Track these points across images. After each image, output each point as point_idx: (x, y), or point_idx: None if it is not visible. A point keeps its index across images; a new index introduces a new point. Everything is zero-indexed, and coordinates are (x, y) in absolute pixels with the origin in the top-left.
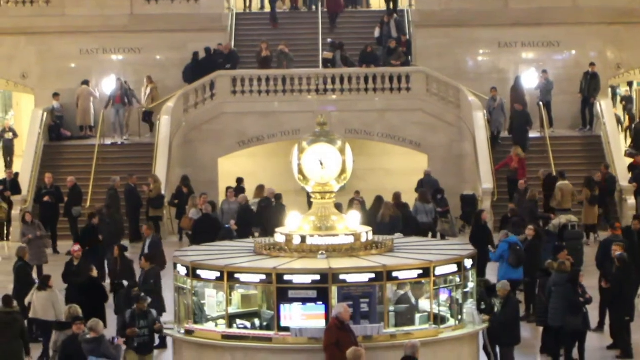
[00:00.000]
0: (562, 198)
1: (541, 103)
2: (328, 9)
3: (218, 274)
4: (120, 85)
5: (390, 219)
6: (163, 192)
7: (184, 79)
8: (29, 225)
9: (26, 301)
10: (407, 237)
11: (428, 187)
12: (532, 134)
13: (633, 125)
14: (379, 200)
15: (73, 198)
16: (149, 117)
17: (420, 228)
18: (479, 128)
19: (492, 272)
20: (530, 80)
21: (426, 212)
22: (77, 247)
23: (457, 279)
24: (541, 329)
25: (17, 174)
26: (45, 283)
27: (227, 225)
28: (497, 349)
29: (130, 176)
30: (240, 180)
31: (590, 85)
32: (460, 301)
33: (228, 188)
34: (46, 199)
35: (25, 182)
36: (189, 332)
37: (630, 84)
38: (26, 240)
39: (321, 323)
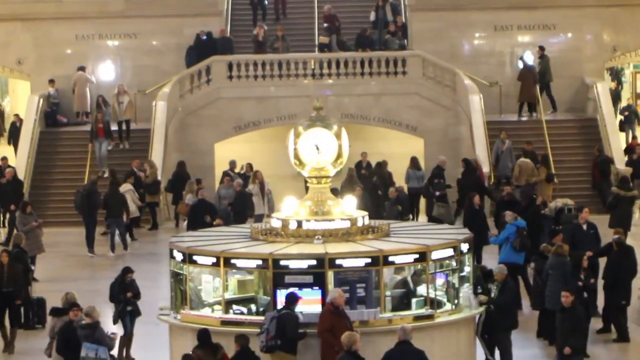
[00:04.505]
0: (520, 174)
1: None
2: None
3: (214, 260)
4: (98, 115)
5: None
6: (159, 177)
7: (186, 61)
8: (27, 215)
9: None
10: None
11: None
12: (526, 117)
13: None
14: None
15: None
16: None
17: (409, 193)
18: (475, 112)
19: (488, 256)
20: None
21: (417, 177)
22: None
23: (454, 263)
24: (537, 312)
25: None
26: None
27: (222, 206)
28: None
29: (132, 160)
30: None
31: (542, 67)
32: (457, 285)
33: (225, 173)
34: None
35: (22, 169)
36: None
37: (611, 72)
38: (26, 230)
39: (318, 308)
